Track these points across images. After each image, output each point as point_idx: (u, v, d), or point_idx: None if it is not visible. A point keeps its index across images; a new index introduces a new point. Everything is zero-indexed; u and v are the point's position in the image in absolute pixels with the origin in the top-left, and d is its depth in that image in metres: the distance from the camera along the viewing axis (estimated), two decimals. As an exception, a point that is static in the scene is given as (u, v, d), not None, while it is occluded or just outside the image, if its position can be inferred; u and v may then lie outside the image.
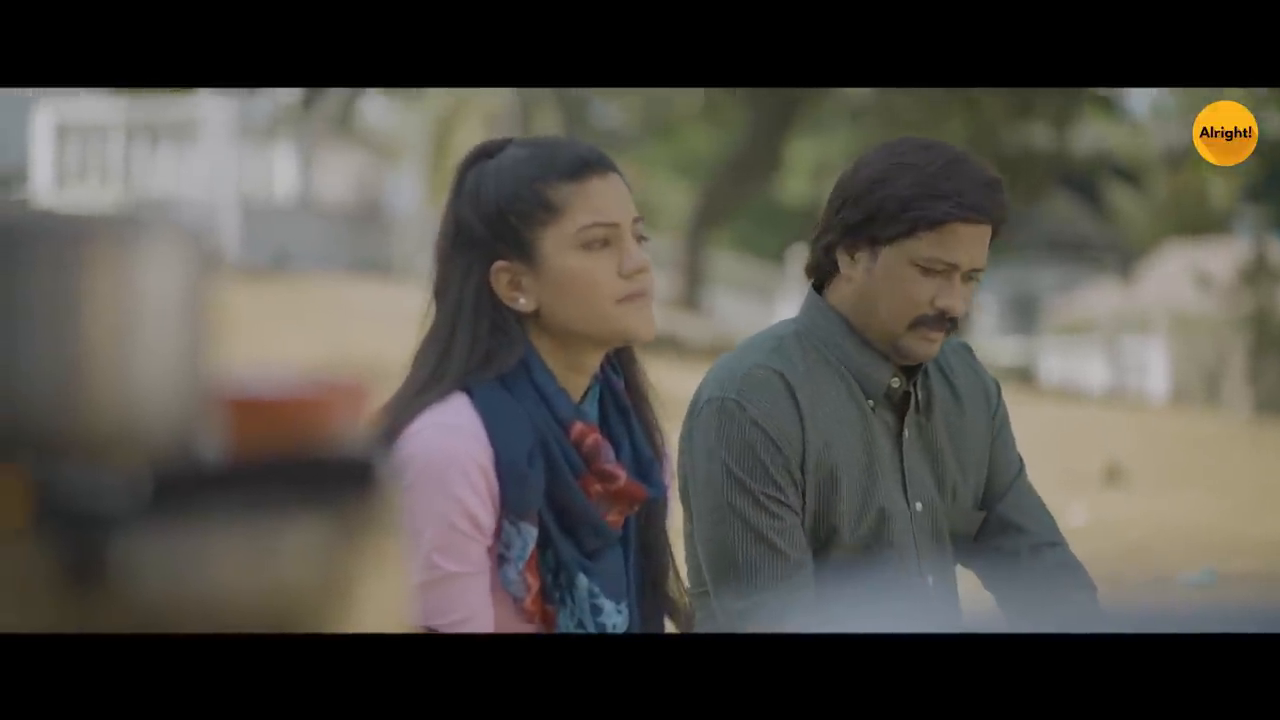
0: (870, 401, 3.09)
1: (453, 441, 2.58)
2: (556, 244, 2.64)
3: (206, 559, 1.27)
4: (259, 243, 20.42)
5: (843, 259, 3.08)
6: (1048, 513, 3.23)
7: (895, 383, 3.10)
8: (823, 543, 3.03)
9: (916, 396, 3.12)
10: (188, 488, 1.30)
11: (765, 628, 2.92)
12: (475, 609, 2.60)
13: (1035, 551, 3.17)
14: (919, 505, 3.11)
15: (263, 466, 1.32)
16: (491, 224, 2.65)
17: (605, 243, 2.65)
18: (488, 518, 2.59)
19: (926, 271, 3.01)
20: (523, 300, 2.65)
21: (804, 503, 3.02)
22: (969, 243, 3.01)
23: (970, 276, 3.04)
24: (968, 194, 3.00)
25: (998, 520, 3.19)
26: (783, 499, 2.99)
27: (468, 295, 2.65)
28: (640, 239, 2.69)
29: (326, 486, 1.32)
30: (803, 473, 3.02)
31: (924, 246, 3.01)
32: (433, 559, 2.57)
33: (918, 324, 3.03)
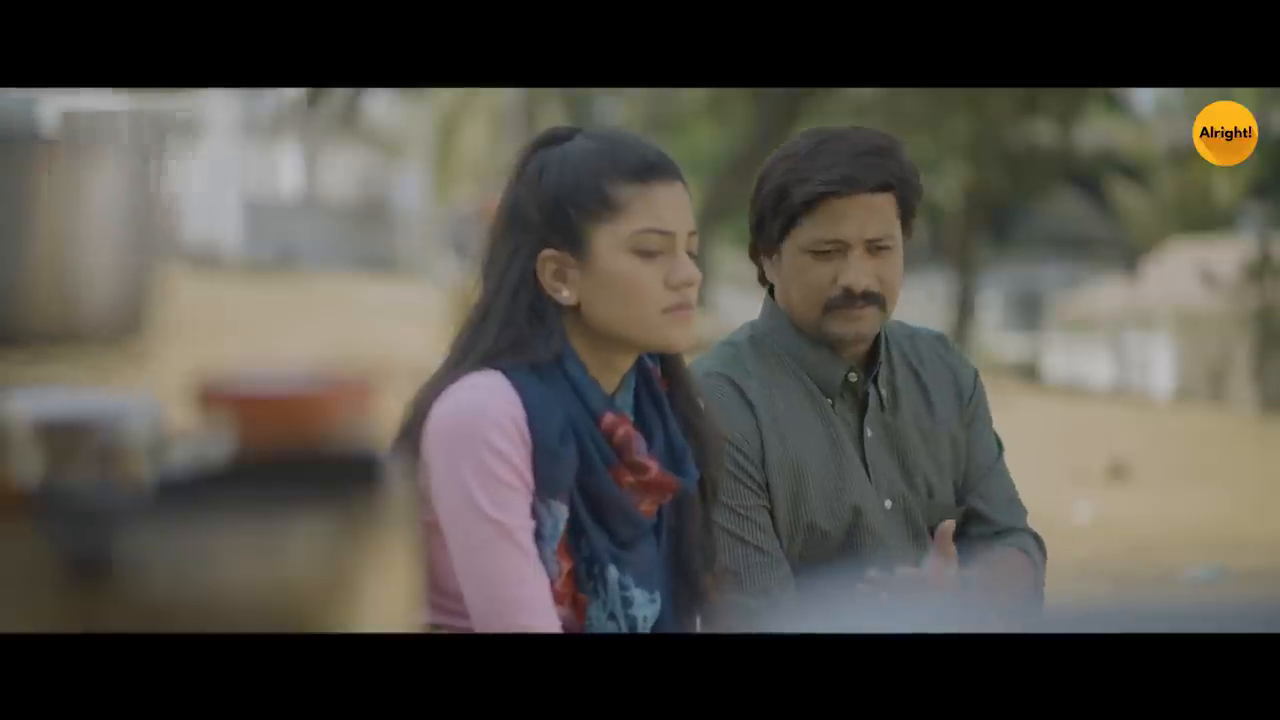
0: (829, 400, 3.07)
1: (489, 399, 2.55)
2: (609, 243, 2.62)
3: (212, 556, 1.27)
4: (264, 240, 20.42)
5: (765, 264, 3.09)
6: (1018, 503, 3.18)
7: (852, 376, 3.07)
8: (804, 538, 3.01)
9: (880, 394, 3.10)
10: (193, 484, 1.30)
11: (748, 627, 2.90)
12: (538, 569, 2.55)
13: (998, 536, 3.13)
14: (889, 503, 3.07)
15: (268, 463, 1.32)
16: (548, 211, 2.63)
17: (658, 250, 2.62)
18: (528, 473, 2.55)
19: (819, 255, 3.00)
20: (565, 292, 2.63)
21: (771, 500, 3.01)
22: (851, 216, 2.98)
23: (876, 248, 3.00)
24: (834, 169, 2.97)
25: (967, 509, 3.15)
26: (750, 500, 2.99)
27: (510, 277, 2.63)
28: (691, 255, 2.67)
29: (332, 483, 1.32)
30: (764, 471, 3.01)
31: (806, 232, 3.00)
32: (489, 514, 2.53)
33: (830, 308, 3.01)
